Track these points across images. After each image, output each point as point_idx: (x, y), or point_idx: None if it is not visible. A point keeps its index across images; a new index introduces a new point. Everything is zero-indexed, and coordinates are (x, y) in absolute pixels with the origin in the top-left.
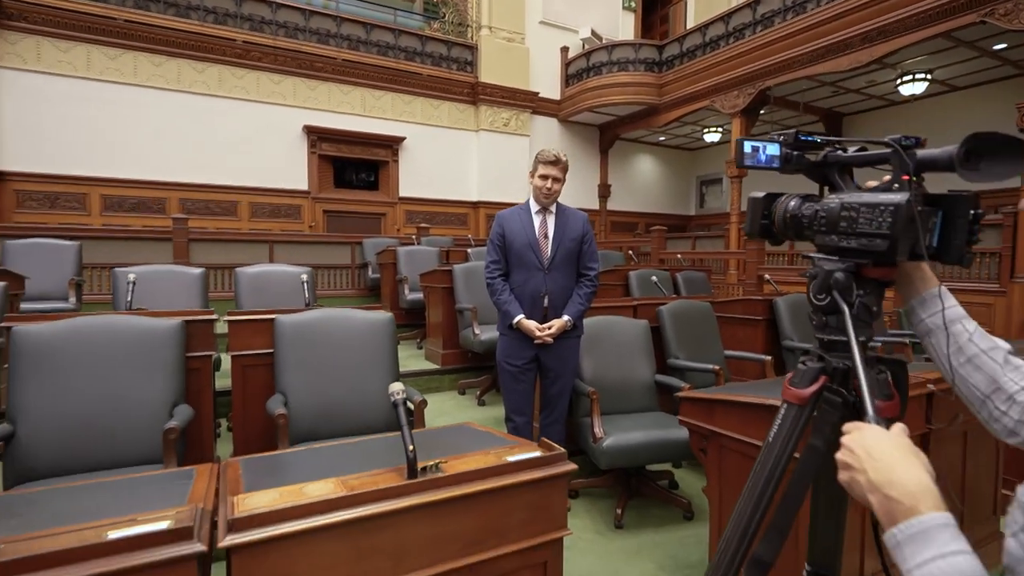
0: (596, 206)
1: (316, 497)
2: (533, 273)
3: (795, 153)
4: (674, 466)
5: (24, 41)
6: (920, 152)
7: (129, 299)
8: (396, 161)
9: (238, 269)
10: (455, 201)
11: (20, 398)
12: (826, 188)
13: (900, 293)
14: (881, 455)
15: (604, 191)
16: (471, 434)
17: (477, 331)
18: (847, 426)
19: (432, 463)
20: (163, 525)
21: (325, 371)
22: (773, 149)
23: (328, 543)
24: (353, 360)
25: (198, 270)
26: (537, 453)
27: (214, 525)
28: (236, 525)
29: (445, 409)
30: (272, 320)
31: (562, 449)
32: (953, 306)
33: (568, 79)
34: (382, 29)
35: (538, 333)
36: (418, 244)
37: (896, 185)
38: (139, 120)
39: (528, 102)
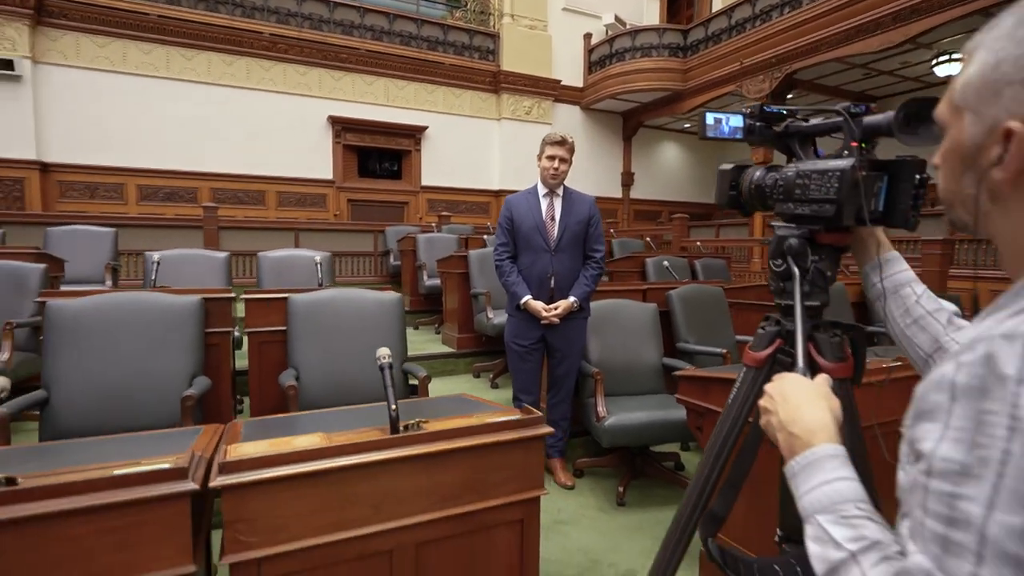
0: (619, 195)
1: (301, 447)
2: (540, 255)
3: (759, 124)
4: (682, 448)
5: (65, 38)
6: (866, 119)
7: (153, 277)
8: (419, 150)
9: (260, 254)
10: (477, 190)
11: (53, 367)
12: (794, 159)
13: (856, 259)
14: (792, 398)
15: (627, 179)
16: (463, 402)
17: (490, 315)
18: (774, 377)
19: (414, 421)
20: (162, 466)
21: (335, 347)
22: (736, 121)
23: (311, 489)
24: (363, 337)
25: (223, 254)
26: (516, 417)
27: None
28: (226, 468)
29: (459, 391)
30: (285, 299)
31: (539, 413)
32: (904, 270)
33: (591, 66)
34: (405, 19)
35: (544, 313)
36: (439, 232)
37: (846, 152)
38: (172, 112)
39: (550, 90)
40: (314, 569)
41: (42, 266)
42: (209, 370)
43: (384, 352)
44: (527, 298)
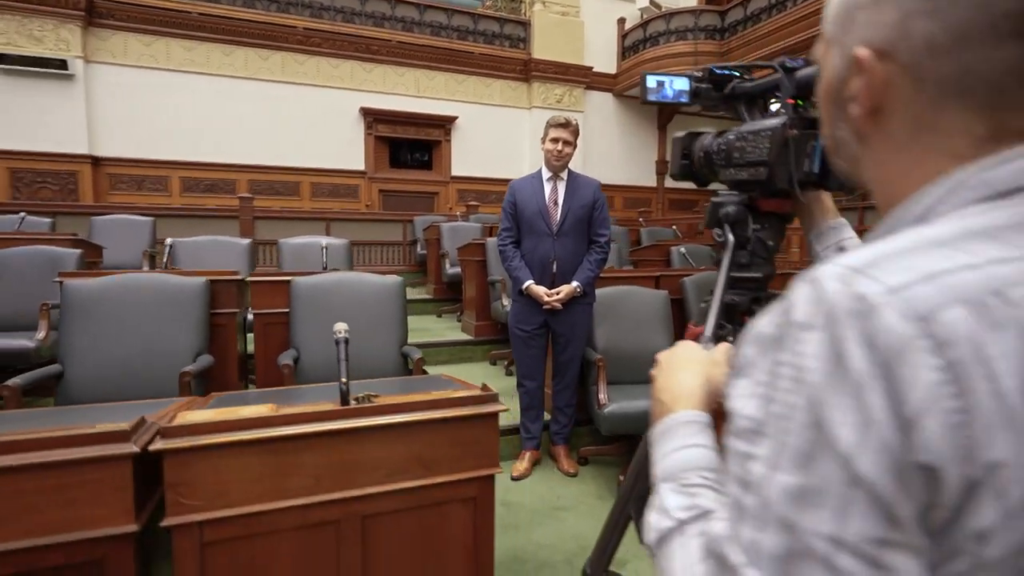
0: (654, 183)
1: (244, 416)
2: (542, 239)
3: (705, 87)
4: None
5: (113, 38)
6: (800, 72)
7: (165, 260)
8: (449, 141)
9: (281, 240)
10: (507, 180)
11: (68, 343)
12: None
13: (802, 227)
14: (673, 365)
15: (662, 168)
16: (436, 381)
17: (505, 303)
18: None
19: (364, 395)
20: (105, 429)
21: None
22: (681, 84)
23: (254, 457)
24: (363, 319)
25: (245, 241)
26: (467, 393)
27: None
28: (167, 433)
29: (474, 378)
30: (288, 282)
31: (493, 391)
32: (848, 238)
33: (624, 52)
34: (435, 9)
35: (546, 298)
36: (465, 221)
37: (782, 110)
38: (213, 107)
39: (582, 77)
40: (256, 536)
41: (78, 251)
42: (215, 348)
43: (341, 327)
44: (529, 283)
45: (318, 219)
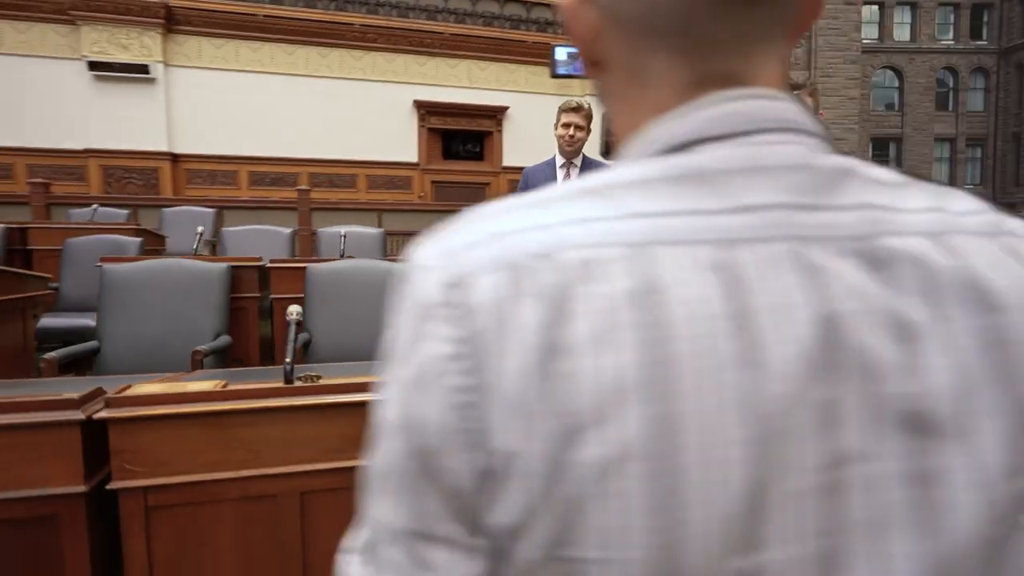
0: None
1: (187, 390)
2: None
3: None
4: None
5: (189, 42)
6: None
7: (194, 247)
8: (500, 131)
9: (320, 230)
10: None
11: (105, 321)
12: None
13: None
14: None
15: None
16: None
17: None
18: None
19: (309, 375)
20: (59, 397)
21: (349, 313)
22: None
23: (195, 429)
24: (373, 304)
25: (288, 230)
26: None
27: None
28: (112, 403)
29: None
30: (304, 268)
31: None
32: None
33: None
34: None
35: None
36: None
37: None
38: (277, 104)
39: None
40: (199, 504)
41: (139, 239)
42: (236, 330)
43: (293, 310)
44: None
45: (370, 210)
